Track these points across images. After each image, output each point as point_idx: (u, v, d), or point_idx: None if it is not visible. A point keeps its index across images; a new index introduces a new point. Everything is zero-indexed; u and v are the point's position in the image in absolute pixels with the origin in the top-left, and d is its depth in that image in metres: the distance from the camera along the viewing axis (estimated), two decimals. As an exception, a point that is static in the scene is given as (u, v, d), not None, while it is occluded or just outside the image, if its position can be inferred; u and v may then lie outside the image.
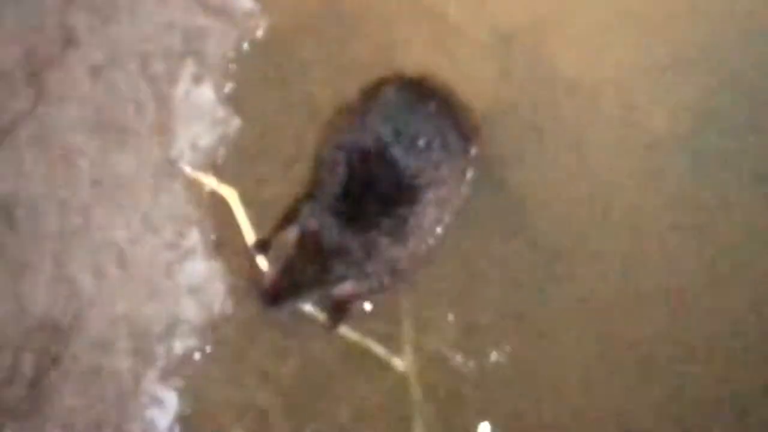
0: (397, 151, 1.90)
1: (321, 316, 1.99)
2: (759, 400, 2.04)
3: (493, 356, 2.03)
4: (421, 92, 2.01)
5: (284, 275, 1.92)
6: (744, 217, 2.11)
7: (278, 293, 1.93)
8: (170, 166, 2.07)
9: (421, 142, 1.92)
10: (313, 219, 1.90)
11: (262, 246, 2.03)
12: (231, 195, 2.05)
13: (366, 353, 2.02)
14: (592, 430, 2.02)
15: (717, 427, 2.03)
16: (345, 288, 1.95)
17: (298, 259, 1.90)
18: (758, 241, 2.10)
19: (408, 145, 1.91)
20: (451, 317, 2.06)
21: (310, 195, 1.97)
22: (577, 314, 2.09)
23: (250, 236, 2.05)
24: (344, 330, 2.01)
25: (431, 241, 2.01)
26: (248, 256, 2.05)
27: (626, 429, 2.02)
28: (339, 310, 1.99)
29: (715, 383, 2.05)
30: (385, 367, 2.03)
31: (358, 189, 1.90)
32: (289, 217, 2.01)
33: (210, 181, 2.06)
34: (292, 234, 1.93)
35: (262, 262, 2.03)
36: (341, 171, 1.90)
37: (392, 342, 2.05)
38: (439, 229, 2.00)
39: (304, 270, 1.90)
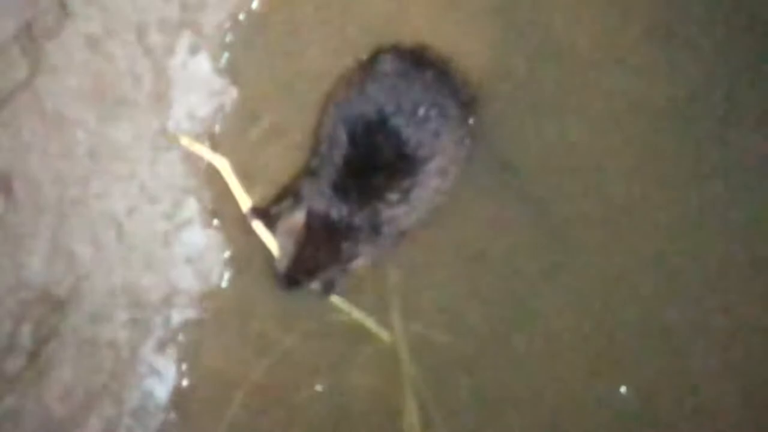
0: (398, 121, 1.90)
1: (314, 284, 1.98)
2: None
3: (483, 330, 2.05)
4: (419, 62, 2.00)
5: (298, 260, 1.93)
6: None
7: (294, 278, 1.94)
8: (166, 137, 2.06)
9: (421, 112, 1.91)
10: (319, 199, 1.90)
11: (259, 213, 2.03)
12: (223, 164, 2.04)
13: (356, 324, 2.03)
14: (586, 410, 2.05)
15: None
16: (357, 263, 1.97)
17: (309, 244, 1.91)
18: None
19: (408, 115, 1.91)
20: (441, 292, 2.07)
21: (311, 169, 1.97)
22: (573, 290, 2.08)
23: (245, 204, 2.03)
24: (335, 299, 2.01)
25: (432, 208, 2.01)
26: (245, 223, 2.04)
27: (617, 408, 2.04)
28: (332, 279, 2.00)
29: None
30: (375, 338, 2.03)
31: (361, 162, 1.91)
32: (290, 189, 2.01)
33: (203, 151, 2.05)
34: (299, 216, 1.92)
35: (259, 229, 2.02)
36: (343, 144, 1.90)
37: (382, 314, 2.05)
38: (439, 197, 2.00)
39: (317, 253, 1.91)
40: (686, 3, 2.17)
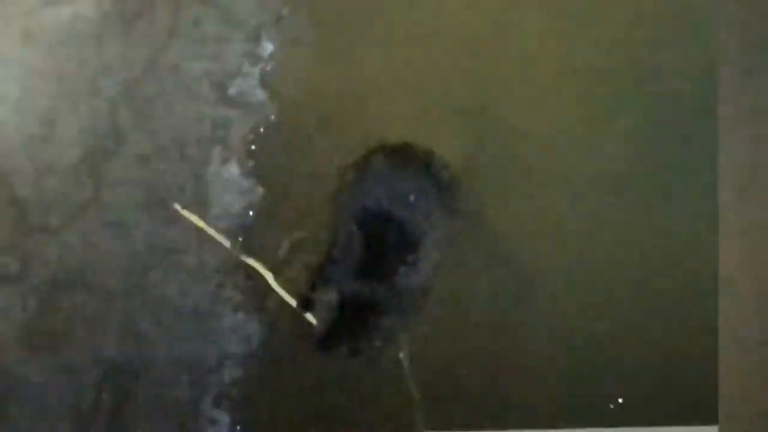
0: (395, 209, 2.20)
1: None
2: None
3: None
4: (404, 157, 2.29)
5: (332, 333, 2.22)
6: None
7: (329, 346, 2.22)
8: (209, 235, 2.36)
9: (411, 198, 2.21)
10: (345, 280, 2.19)
11: (306, 304, 2.29)
12: (267, 274, 2.32)
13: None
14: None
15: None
16: (383, 332, 2.24)
17: (341, 319, 2.20)
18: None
19: (402, 203, 2.20)
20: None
21: (334, 259, 2.25)
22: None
23: (291, 300, 2.31)
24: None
25: (432, 275, 2.28)
26: (274, 294, 2.31)
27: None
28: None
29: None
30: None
31: (374, 247, 2.20)
32: (319, 275, 2.27)
33: (249, 260, 2.34)
34: (332, 296, 2.21)
35: (310, 317, 2.29)
36: (358, 236, 2.20)
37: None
38: (438, 266, 2.28)
39: (348, 326, 2.21)
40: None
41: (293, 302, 2.32)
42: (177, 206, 2.38)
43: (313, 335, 2.25)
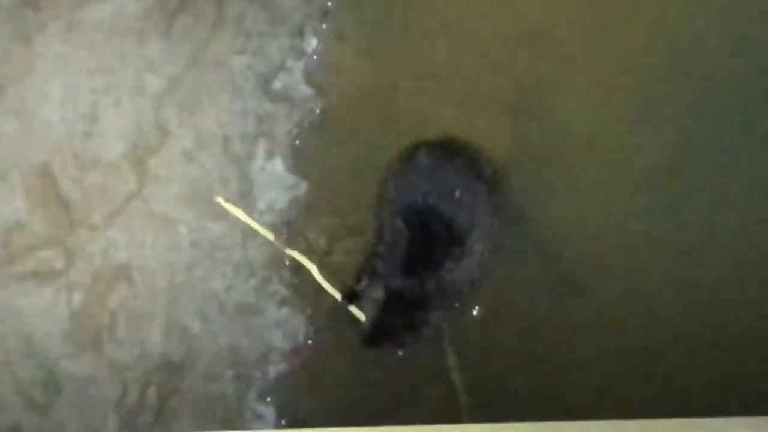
0: (441, 204, 2.17)
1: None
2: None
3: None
4: (448, 152, 2.26)
5: (378, 328, 2.18)
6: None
7: (376, 342, 2.19)
8: (254, 230, 2.36)
9: (456, 194, 2.18)
10: (392, 278, 2.16)
11: (350, 297, 2.29)
12: (311, 266, 2.33)
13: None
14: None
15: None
16: (429, 328, 2.22)
17: (387, 314, 2.15)
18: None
19: (447, 198, 2.17)
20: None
21: (379, 254, 2.22)
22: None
23: (335, 293, 2.32)
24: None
25: (478, 269, 2.27)
26: (318, 291, 2.32)
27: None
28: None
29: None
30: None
31: (420, 241, 2.17)
32: (364, 270, 2.26)
33: (292, 253, 2.35)
34: (378, 292, 2.16)
35: (354, 310, 2.28)
36: (404, 231, 2.17)
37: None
38: (482, 260, 2.26)
39: (394, 322, 2.17)
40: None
41: (338, 295, 2.32)
42: (219, 199, 2.38)
43: (361, 332, 2.23)
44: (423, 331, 2.22)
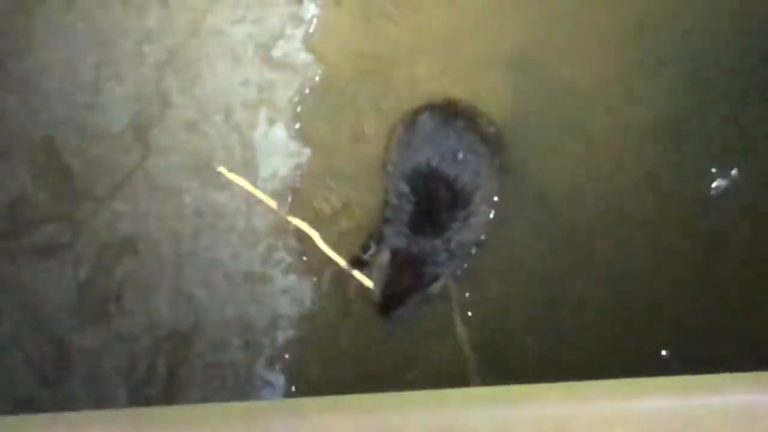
0: (444, 167, 2.16)
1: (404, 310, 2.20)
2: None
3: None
4: (450, 115, 2.25)
5: (387, 291, 2.17)
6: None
7: (389, 306, 2.18)
8: (259, 198, 2.36)
9: (459, 156, 2.17)
10: (399, 240, 2.17)
11: (356, 263, 2.30)
12: (314, 234, 2.32)
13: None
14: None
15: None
16: (437, 286, 2.21)
17: (395, 276, 2.16)
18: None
19: (451, 160, 2.16)
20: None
21: (387, 219, 2.23)
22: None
23: (339, 260, 2.31)
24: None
25: (484, 230, 2.28)
26: (347, 275, 2.31)
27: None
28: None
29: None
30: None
31: (426, 204, 2.16)
32: (372, 236, 2.28)
33: (295, 221, 2.34)
34: (385, 256, 2.17)
35: (360, 276, 2.29)
36: (409, 195, 2.17)
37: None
38: (488, 220, 2.28)
39: (403, 282, 2.16)
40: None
41: (343, 262, 2.32)
42: (221, 168, 2.37)
43: (371, 300, 2.23)
44: (432, 293, 2.21)
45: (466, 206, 2.20)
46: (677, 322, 2.29)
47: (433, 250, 2.18)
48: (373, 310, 2.21)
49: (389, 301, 2.18)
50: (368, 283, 2.28)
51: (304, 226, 2.35)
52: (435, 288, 2.21)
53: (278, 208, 2.35)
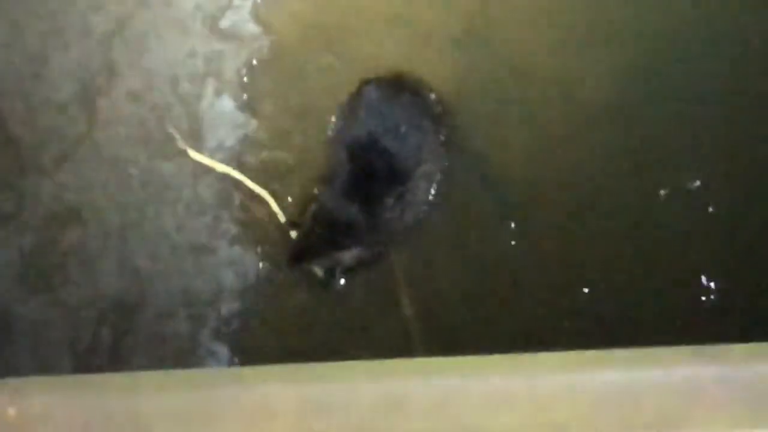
0: (385, 140, 2.15)
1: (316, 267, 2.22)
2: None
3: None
4: (397, 89, 2.25)
5: (302, 241, 2.18)
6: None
7: (297, 256, 2.18)
8: (205, 169, 2.34)
9: (402, 129, 2.16)
10: (328, 198, 2.16)
11: (294, 224, 2.27)
12: (264, 194, 2.31)
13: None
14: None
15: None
16: (352, 254, 2.20)
17: (313, 229, 2.15)
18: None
19: (393, 134, 2.16)
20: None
21: (324, 182, 2.21)
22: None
23: (282, 218, 2.29)
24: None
25: (425, 207, 2.26)
26: (282, 232, 2.29)
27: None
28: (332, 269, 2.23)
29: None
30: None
31: (361, 175, 2.15)
32: (310, 200, 2.24)
33: (246, 182, 2.32)
34: (311, 209, 2.17)
35: (294, 236, 2.26)
36: (346, 163, 2.16)
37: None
38: (429, 198, 2.25)
39: (319, 238, 2.15)
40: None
41: (282, 219, 2.32)
42: (191, 152, 2.37)
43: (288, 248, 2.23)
44: (342, 261, 2.22)
45: (404, 182, 2.18)
46: (617, 298, 2.29)
47: (355, 220, 2.15)
48: (286, 256, 2.21)
49: (299, 251, 2.18)
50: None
51: (257, 188, 2.35)
52: (346, 257, 2.20)
53: (236, 172, 2.35)
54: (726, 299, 2.28)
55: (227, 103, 2.39)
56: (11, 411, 1.62)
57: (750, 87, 2.36)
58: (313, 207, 2.19)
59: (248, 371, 1.96)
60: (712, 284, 2.28)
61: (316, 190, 2.27)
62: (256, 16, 2.42)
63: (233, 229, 2.36)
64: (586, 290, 2.29)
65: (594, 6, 2.40)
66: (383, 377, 1.69)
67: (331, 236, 2.17)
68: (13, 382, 1.74)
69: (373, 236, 2.19)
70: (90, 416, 1.61)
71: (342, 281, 2.26)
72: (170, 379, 1.77)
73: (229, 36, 2.42)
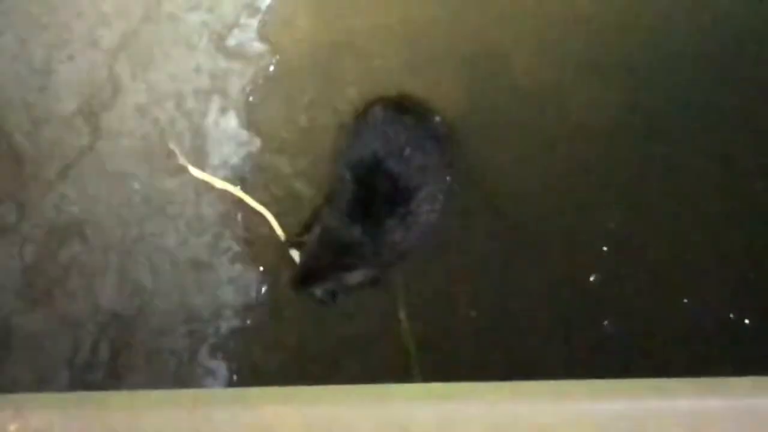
0: (389, 162, 2.13)
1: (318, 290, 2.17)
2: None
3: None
4: (401, 110, 2.23)
5: (307, 265, 2.16)
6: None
7: (301, 279, 2.15)
8: (207, 186, 2.34)
9: (407, 151, 2.14)
10: (332, 220, 2.13)
11: (294, 243, 2.27)
12: (265, 212, 2.30)
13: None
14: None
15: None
16: (356, 276, 2.16)
17: (318, 252, 2.13)
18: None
19: (397, 156, 2.14)
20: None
21: (328, 201, 2.22)
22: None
23: (282, 236, 2.29)
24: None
25: (428, 229, 2.22)
26: (282, 251, 2.29)
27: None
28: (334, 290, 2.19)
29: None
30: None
31: (364, 196, 2.13)
32: (313, 219, 2.25)
33: (247, 199, 2.31)
34: (315, 231, 2.14)
35: (295, 255, 2.26)
36: (349, 184, 2.14)
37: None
38: (431, 220, 2.22)
39: (323, 260, 2.13)
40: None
41: (282, 236, 2.32)
42: (191, 168, 2.36)
43: (292, 272, 2.22)
44: (348, 283, 2.19)
45: (408, 203, 2.17)
46: (624, 308, 2.29)
47: (360, 241, 2.13)
48: (290, 280, 2.20)
49: (304, 275, 2.17)
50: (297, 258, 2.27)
51: (257, 206, 2.34)
52: (351, 278, 2.18)
53: (238, 190, 2.34)
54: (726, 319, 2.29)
55: (232, 121, 2.38)
56: (12, 428, 1.63)
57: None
58: (317, 230, 2.17)
59: (250, 392, 1.94)
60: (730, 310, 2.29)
61: (319, 210, 2.27)
62: (263, 35, 2.41)
63: (234, 247, 2.35)
64: (593, 316, 2.29)
65: (598, 27, 2.40)
66: (386, 401, 1.68)
67: (336, 258, 2.15)
68: (14, 398, 1.74)
69: (376, 257, 2.17)
70: (90, 433, 1.60)
71: (338, 301, 2.22)
72: (170, 398, 1.76)
73: (235, 54, 2.41)
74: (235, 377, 2.30)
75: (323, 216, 2.20)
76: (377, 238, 2.16)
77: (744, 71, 2.37)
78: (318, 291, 2.20)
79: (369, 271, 2.20)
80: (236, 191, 2.34)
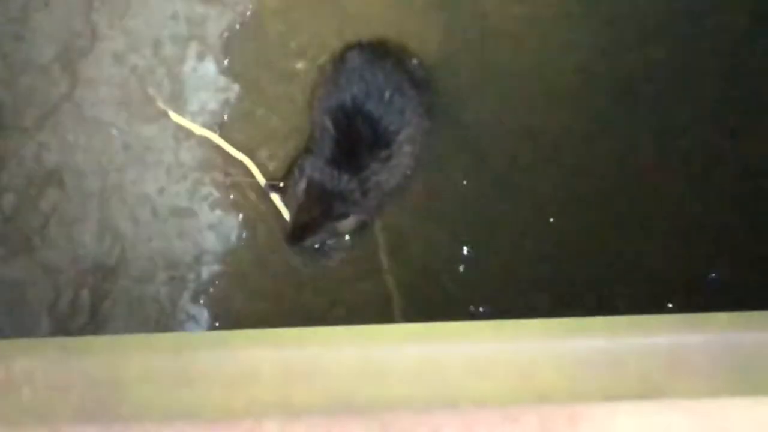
0: (369, 105, 2.12)
1: (313, 241, 2.21)
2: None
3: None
4: (380, 54, 2.22)
5: (298, 219, 2.14)
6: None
7: (296, 234, 2.15)
8: (187, 133, 2.31)
9: (386, 95, 2.13)
10: (316, 171, 2.12)
11: (273, 186, 2.27)
12: (243, 157, 2.29)
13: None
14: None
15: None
16: (348, 223, 2.17)
17: (307, 205, 2.12)
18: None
19: (377, 99, 2.13)
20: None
21: (309, 150, 2.20)
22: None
23: (261, 180, 2.28)
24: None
25: (409, 171, 2.24)
26: (262, 195, 2.29)
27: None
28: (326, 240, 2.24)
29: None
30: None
31: (346, 141, 2.12)
32: (293, 167, 2.23)
33: (225, 146, 2.30)
34: (301, 185, 2.13)
35: (275, 199, 2.26)
36: (330, 130, 2.13)
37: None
38: (412, 161, 2.23)
39: (313, 212, 2.12)
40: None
41: (263, 181, 2.31)
42: (172, 114, 2.34)
43: (283, 227, 2.22)
44: (340, 230, 2.21)
45: (388, 146, 2.16)
46: (604, 260, 2.29)
47: (347, 187, 2.13)
48: (283, 236, 2.19)
49: (298, 229, 2.16)
50: (283, 208, 2.27)
51: (237, 153, 2.32)
52: (343, 225, 2.19)
53: (216, 137, 2.32)
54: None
55: (210, 67, 2.36)
56: (-6, 372, 1.61)
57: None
58: (302, 183, 2.15)
59: (231, 335, 1.93)
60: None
61: (301, 158, 2.24)
62: (239, -20, 2.36)
63: (214, 193, 2.33)
64: (568, 256, 2.28)
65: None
66: (366, 343, 1.67)
67: (326, 208, 2.15)
68: (-6, 343, 1.73)
69: (365, 201, 2.17)
70: (72, 378, 1.58)
71: (336, 255, 2.27)
72: (152, 342, 1.74)
73: (212, 0, 2.38)
74: (216, 323, 2.29)
75: (307, 167, 2.18)
76: (363, 183, 2.15)
77: None
78: (314, 243, 2.23)
79: (359, 217, 2.20)
80: (215, 137, 2.32)
